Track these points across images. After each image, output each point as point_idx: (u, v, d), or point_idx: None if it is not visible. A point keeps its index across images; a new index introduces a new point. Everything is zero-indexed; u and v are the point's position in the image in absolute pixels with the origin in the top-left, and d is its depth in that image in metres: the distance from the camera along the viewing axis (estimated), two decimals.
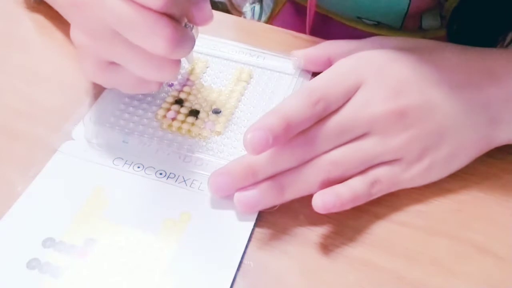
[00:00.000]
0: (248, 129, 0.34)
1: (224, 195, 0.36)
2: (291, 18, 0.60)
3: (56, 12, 0.42)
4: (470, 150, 0.37)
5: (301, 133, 0.35)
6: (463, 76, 0.37)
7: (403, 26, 0.53)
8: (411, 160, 0.36)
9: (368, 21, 0.54)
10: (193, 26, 0.38)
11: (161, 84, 0.39)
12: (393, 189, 0.37)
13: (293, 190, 0.35)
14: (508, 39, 0.50)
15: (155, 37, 0.33)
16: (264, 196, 0.35)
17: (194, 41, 0.36)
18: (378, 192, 0.36)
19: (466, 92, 0.37)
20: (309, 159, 0.35)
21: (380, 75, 0.37)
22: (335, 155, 0.35)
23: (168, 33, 0.33)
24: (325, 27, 0.55)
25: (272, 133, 0.34)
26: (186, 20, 0.37)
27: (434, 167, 0.37)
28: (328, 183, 0.35)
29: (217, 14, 0.51)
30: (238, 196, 0.35)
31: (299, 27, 0.52)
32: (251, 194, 0.35)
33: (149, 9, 0.32)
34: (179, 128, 0.41)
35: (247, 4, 0.67)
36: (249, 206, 0.35)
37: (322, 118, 0.36)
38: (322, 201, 0.34)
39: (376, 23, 0.54)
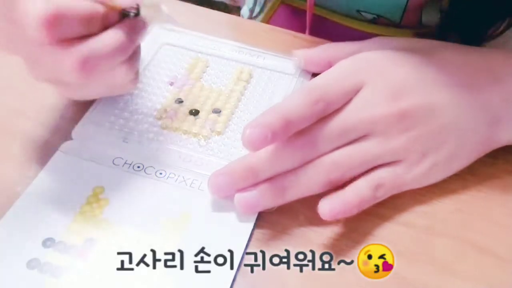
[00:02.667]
0: (247, 125, 0.34)
1: (224, 195, 0.36)
2: (287, 20, 0.60)
3: None
4: (471, 151, 0.37)
5: (301, 134, 0.35)
6: (465, 76, 0.37)
7: (403, 21, 0.53)
8: (413, 161, 0.36)
9: (367, 15, 0.54)
10: (138, 10, 0.35)
11: (135, 80, 0.38)
12: (397, 191, 0.37)
13: (294, 191, 0.35)
14: (502, 27, 0.50)
15: (64, 70, 0.32)
16: (265, 197, 0.35)
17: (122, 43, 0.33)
18: (383, 195, 0.36)
19: (467, 93, 0.37)
20: (310, 160, 0.35)
21: (381, 77, 0.37)
22: (336, 156, 0.35)
23: (72, 62, 0.32)
24: (322, 29, 0.55)
25: (271, 130, 0.34)
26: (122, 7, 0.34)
27: (436, 168, 0.37)
28: (329, 184, 0.35)
29: (217, 14, 0.51)
30: (238, 197, 0.35)
31: (295, 29, 0.52)
32: (252, 195, 0.35)
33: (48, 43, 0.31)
34: (179, 128, 0.41)
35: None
36: (250, 207, 0.35)
37: (322, 119, 0.36)
38: (329, 209, 0.34)
39: (375, 16, 0.54)
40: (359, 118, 0.36)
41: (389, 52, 0.38)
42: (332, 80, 0.37)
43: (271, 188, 0.35)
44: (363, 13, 0.54)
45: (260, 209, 0.36)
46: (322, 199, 0.34)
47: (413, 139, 0.36)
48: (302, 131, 0.35)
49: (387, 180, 0.36)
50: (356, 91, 0.36)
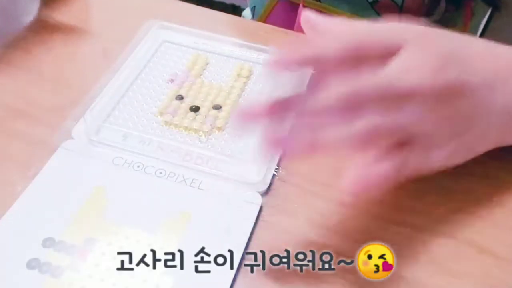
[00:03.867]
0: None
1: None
2: (284, 16, 0.59)
3: (56, 12, 0.42)
4: (493, 136, 0.37)
5: (340, 93, 0.33)
6: (496, 64, 0.36)
7: (405, 2, 0.52)
8: (441, 140, 0.35)
9: None
10: None
11: None
12: (419, 172, 0.35)
13: (325, 144, 0.33)
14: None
15: None
16: (295, 139, 0.33)
17: None
18: (405, 175, 0.34)
19: (498, 79, 0.36)
20: (344, 118, 0.33)
21: (423, 41, 0.35)
22: (367, 120, 0.33)
23: None
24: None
25: (302, 56, 0.34)
26: None
27: (460, 150, 0.36)
28: (357, 145, 0.34)
29: (217, 14, 0.51)
30: (267, 130, 0.33)
31: (293, 25, 0.52)
32: (281, 132, 0.33)
33: None
34: (180, 124, 0.41)
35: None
36: (276, 143, 0.33)
37: (362, 82, 0.33)
38: (351, 183, 0.33)
39: None
40: (399, 83, 0.33)
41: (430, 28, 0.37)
42: (372, 33, 0.35)
43: (304, 132, 0.33)
44: None
45: (283, 149, 0.34)
46: (345, 173, 0.33)
47: (446, 115, 0.34)
48: (340, 92, 0.33)
49: (411, 160, 0.34)
50: (395, 50, 0.34)
